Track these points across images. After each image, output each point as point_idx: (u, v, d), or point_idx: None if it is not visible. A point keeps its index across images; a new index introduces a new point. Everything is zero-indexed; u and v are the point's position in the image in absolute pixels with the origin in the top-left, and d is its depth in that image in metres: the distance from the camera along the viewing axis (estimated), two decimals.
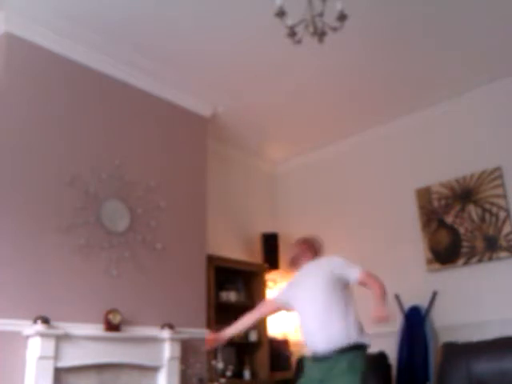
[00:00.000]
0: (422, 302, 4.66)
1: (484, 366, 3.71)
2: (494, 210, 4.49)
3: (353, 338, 2.88)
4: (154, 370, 3.90)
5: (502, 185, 4.50)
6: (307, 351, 3.09)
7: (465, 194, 4.70)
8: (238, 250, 5.54)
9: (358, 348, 2.89)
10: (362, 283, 2.97)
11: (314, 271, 3.14)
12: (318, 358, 2.90)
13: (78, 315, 3.59)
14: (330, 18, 2.92)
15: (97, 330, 3.65)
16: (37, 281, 3.47)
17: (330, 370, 2.83)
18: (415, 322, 4.63)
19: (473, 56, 4.37)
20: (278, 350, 5.30)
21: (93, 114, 4.09)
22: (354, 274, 2.97)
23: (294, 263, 3.34)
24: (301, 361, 4.90)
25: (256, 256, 5.59)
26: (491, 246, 4.45)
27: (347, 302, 2.99)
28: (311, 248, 3.34)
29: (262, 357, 5.15)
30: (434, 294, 4.64)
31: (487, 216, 4.52)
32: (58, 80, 3.94)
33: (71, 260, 3.68)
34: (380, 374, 4.38)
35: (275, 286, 5.69)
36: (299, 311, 3.11)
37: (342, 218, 5.52)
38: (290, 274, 3.47)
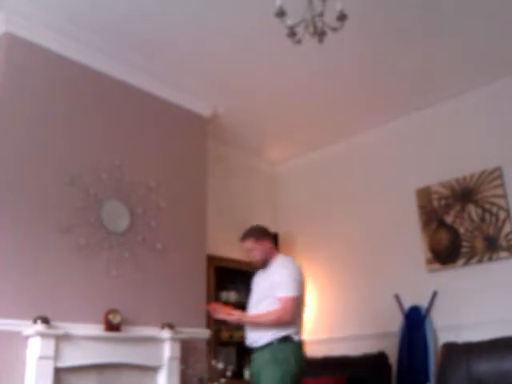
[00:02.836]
0: (422, 302, 4.66)
1: (484, 366, 3.71)
2: (494, 210, 4.49)
3: (275, 334, 3.09)
4: (153, 369, 3.90)
5: (502, 185, 4.49)
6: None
7: (465, 194, 4.70)
8: (238, 250, 5.51)
9: (280, 342, 3.09)
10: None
11: (263, 279, 3.33)
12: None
13: (78, 315, 3.59)
14: (330, 18, 2.92)
15: (97, 330, 3.64)
16: (37, 281, 3.46)
17: (258, 361, 3.13)
18: (415, 322, 4.63)
19: (473, 56, 4.37)
20: None
21: (93, 114, 4.09)
22: (278, 293, 3.15)
23: (264, 263, 3.39)
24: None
25: None
26: (491, 246, 4.44)
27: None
28: (270, 240, 3.45)
29: None
30: (434, 294, 4.64)
31: (487, 216, 4.52)
32: (58, 80, 3.94)
33: (71, 260, 3.68)
34: (380, 374, 4.39)
35: None
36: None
37: (342, 218, 5.52)
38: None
